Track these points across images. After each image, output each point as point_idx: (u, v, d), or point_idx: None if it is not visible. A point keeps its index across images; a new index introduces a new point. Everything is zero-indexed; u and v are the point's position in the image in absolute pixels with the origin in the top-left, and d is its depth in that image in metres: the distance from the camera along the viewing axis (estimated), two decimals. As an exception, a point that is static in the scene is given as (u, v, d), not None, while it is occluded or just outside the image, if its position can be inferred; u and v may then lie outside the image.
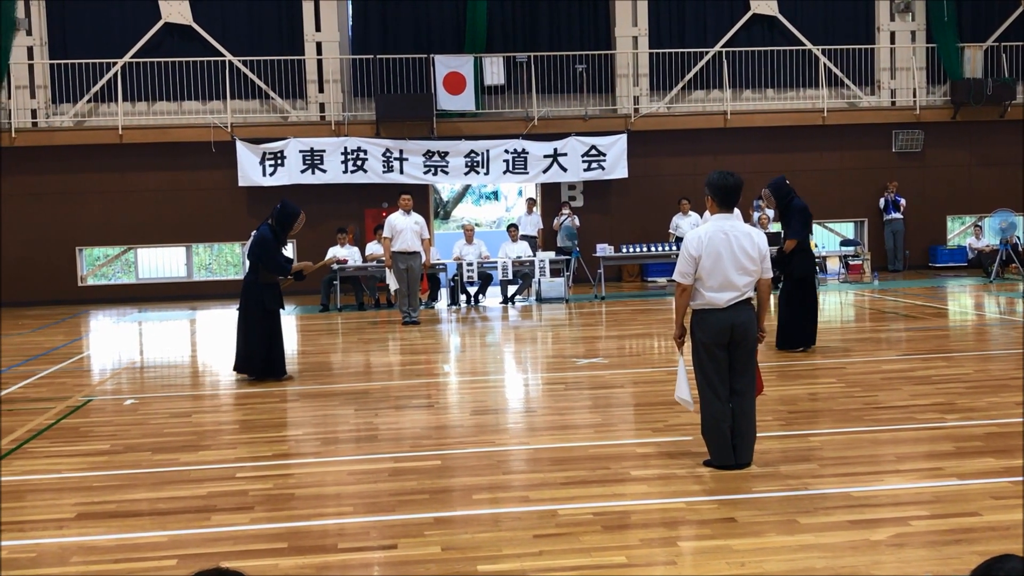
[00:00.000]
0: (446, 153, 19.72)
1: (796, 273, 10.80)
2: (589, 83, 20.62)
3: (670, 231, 19.76)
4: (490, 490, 6.10)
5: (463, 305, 17.25)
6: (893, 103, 21.40)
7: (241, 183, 19.40)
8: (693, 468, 6.36)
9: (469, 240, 17.69)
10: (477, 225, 31.66)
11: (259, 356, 10.16)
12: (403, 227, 14.54)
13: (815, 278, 11.21)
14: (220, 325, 15.82)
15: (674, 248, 17.64)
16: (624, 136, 20.04)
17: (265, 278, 10.21)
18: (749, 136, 20.69)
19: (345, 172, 19.47)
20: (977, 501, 5.57)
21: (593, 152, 19.97)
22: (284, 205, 10.39)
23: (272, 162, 19.38)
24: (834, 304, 16.09)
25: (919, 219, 21.20)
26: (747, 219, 18.82)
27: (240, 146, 19.30)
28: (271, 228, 10.23)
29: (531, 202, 20.69)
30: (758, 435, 6.49)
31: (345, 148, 19.49)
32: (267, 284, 10.22)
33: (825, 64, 20.99)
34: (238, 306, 10.44)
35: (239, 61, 19.87)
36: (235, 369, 10.35)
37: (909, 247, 21.14)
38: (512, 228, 18.54)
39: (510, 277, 17.23)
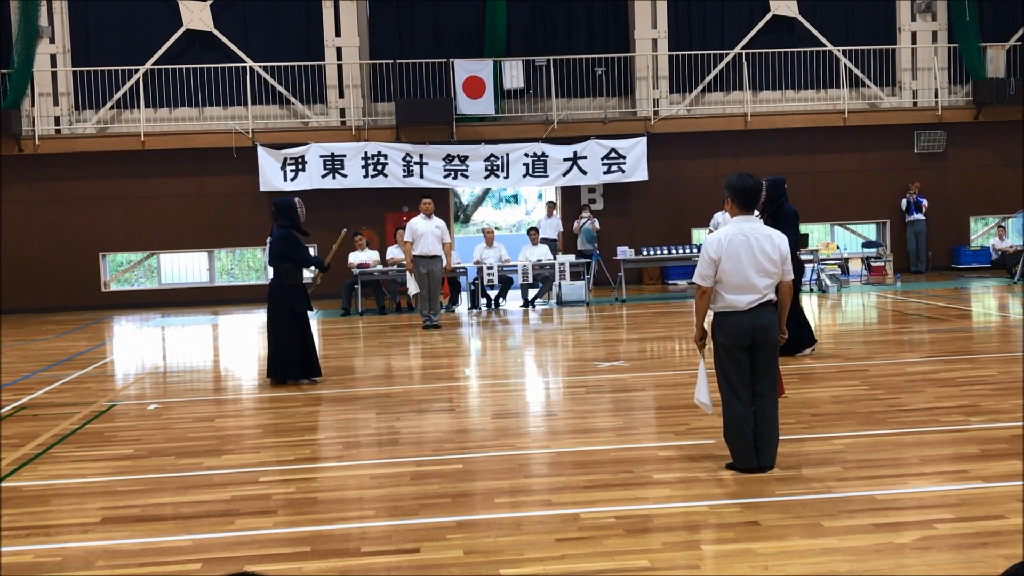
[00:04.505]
0: (466, 157, 19.75)
1: None
2: (609, 86, 20.61)
3: (710, 228, 19.55)
4: (512, 494, 6.10)
5: (484, 309, 17.26)
6: (915, 104, 21.28)
7: (263, 188, 19.50)
8: (715, 471, 6.34)
9: (489, 244, 17.70)
10: (497, 228, 31.68)
11: (293, 358, 10.18)
12: (424, 231, 14.57)
13: (800, 282, 11.19)
14: (242, 329, 15.91)
15: (695, 251, 17.59)
16: (644, 139, 20.01)
17: (290, 280, 10.24)
18: (769, 138, 20.62)
19: (366, 177, 19.53)
20: (1003, 504, 5.53)
21: (613, 155, 19.95)
22: (276, 203, 10.49)
23: (293, 167, 19.46)
24: (856, 306, 16.01)
25: (942, 220, 21.06)
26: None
27: (261, 151, 19.40)
28: (285, 227, 10.27)
29: (551, 205, 20.69)
30: (781, 438, 6.47)
31: (365, 153, 19.56)
32: (293, 286, 10.25)
33: (846, 65, 20.90)
34: (267, 312, 10.47)
35: (260, 67, 19.98)
36: (269, 375, 10.34)
37: (932, 248, 21.00)
38: (532, 231, 18.54)
39: (530, 280, 17.23)
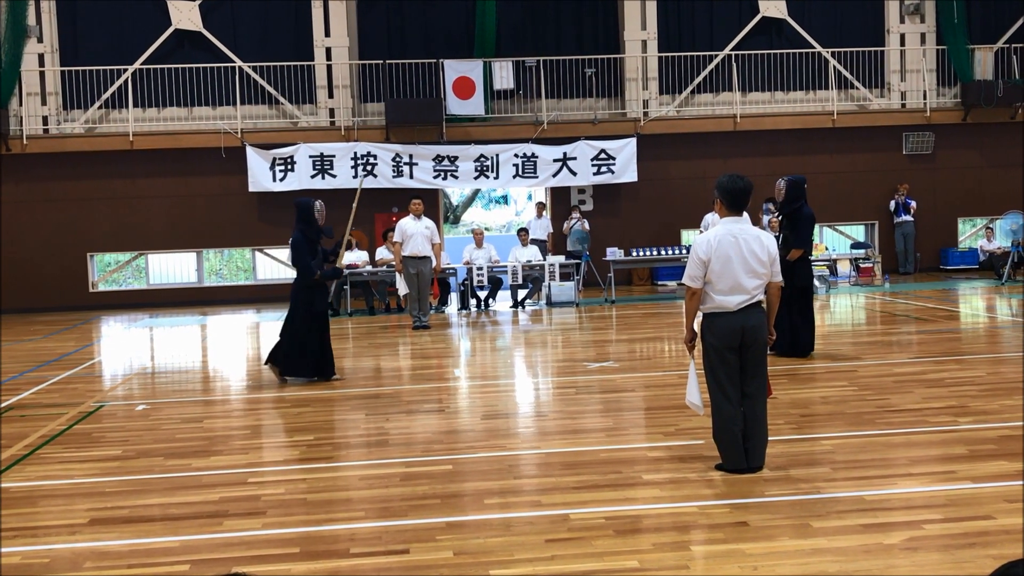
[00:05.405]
0: (456, 158, 19.74)
1: (800, 282, 10.71)
2: (598, 87, 20.62)
3: (700, 229, 19.59)
4: (501, 494, 6.10)
5: (473, 309, 17.25)
6: (903, 105, 21.35)
7: (251, 188, 19.45)
8: (705, 472, 6.34)
9: (479, 244, 17.68)
10: (487, 229, 31.66)
11: (308, 357, 10.22)
12: (413, 232, 14.56)
13: (813, 286, 11.22)
14: (231, 330, 15.86)
15: (684, 252, 17.61)
16: (633, 140, 20.02)
17: (312, 281, 10.29)
18: (759, 139, 20.66)
19: (355, 177, 19.48)
20: (991, 504, 5.55)
21: (603, 156, 19.96)
22: (297, 203, 10.53)
23: (282, 167, 19.42)
24: (845, 307, 16.05)
25: (930, 221, 21.14)
26: (756, 222, 18.77)
27: (250, 151, 19.35)
28: (302, 231, 10.30)
29: (541, 206, 20.69)
30: (770, 439, 6.48)
31: (355, 153, 19.52)
32: (313, 287, 10.29)
33: (835, 66, 20.96)
34: (288, 310, 10.51)
35: (249, 67, 19.93)
36: (284, 373, 10.34)
37: (920, 249, 21.08)
38: (522, 232, 18.53)
39: (520, 281, 17.23)
